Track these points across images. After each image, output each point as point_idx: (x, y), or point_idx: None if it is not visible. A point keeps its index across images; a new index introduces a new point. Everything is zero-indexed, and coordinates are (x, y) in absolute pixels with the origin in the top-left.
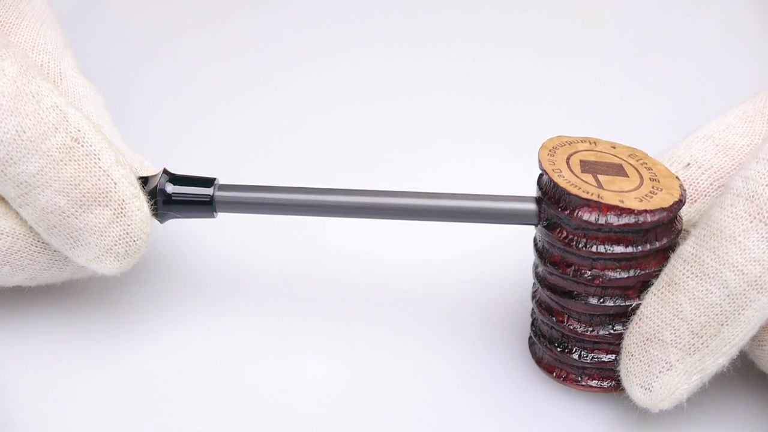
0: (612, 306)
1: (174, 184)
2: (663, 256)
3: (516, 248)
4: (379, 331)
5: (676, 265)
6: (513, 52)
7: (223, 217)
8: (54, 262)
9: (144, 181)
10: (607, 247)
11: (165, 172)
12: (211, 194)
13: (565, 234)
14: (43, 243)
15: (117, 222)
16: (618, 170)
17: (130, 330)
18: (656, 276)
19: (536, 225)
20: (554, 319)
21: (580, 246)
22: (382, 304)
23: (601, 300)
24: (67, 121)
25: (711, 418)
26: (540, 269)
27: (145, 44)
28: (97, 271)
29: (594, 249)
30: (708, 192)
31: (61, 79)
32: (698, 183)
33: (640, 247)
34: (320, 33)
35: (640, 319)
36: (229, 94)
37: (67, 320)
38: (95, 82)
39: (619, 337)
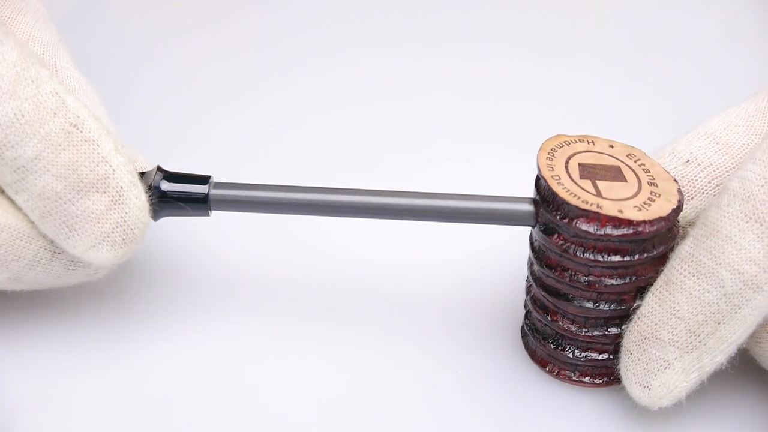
0: (607, 310)
1: (168, 182)
2: (660, 262)
3: (514, 244)
4: (377, 331)
5: (674, 265)
6: (512, 51)
7: (221, 218)
8: (39, 259)
9: (140, 176)
10: (604, 255)
11: (159, 169)
12: (206, 192)
13: (562, 241)
14: (29, 237)
15: (114, 209)
16: (616, 174)
17: (126, 333)
18: (653, 281)
19: (533, 227)
20: (548, 317)
21: (576, 253)
22: (379, 302)
23: (597, 304)
24: (66, 107)
25: (709, 413)
26: (536, 268)
27: (143, 43)
28: (92, 262)
29: (591, 257)
30: (706, 190)
31: (56, 71)
32: (696, 180)
33: (637, 256)
34: (319, 33)
35: (638, 318)
36: (227, 94)
37: (65, 323)
38: (94, 80)
39: (614, 338)
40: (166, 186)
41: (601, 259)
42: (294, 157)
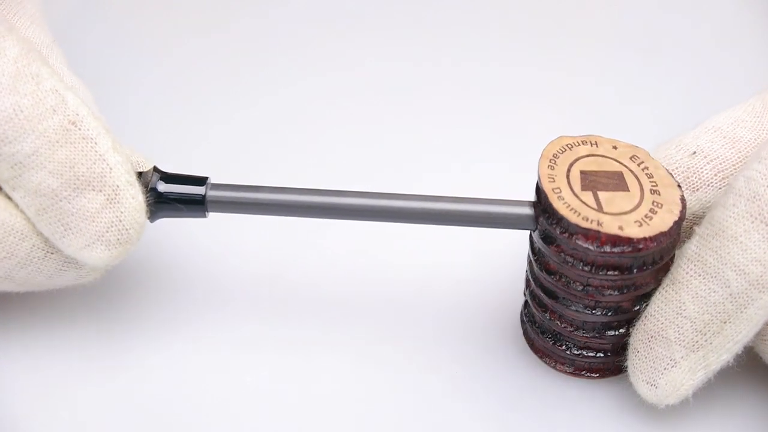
0: (605, 316)
1: (165, 182)
2: (661, 271)
3: (515, 236)
4: (376, 331)
5: (680, 264)
6: (513, 53)
7: (220, 220)
8: (31, 258)
9: (138, 175)
10: (603, 270)
11: (156, 169)
12: (203, 193)
13: (560, 251)
14: (22, 234)
15: (110, 207)
16: (618, 182)
17: (124, 337)
18: (653, 290)
19: (533, 231)
20: (546, 315)
21: (575, 265)
22: (377, 303)
23: (594, 311)
24: (65, 104)
25: (713, 408)
26: (535, 268)
27: (143, 44)
28: (86, 261)
29: (589, 270)
30: (711, 182)
31: None
32: (702, 172)
33: (636, 271)
34: (319, 35)
35: (645, 317)
36: (227, 95)
37: (62, 327)
38: (93, 81)
39: (611, 339)
40: (162, 187)
41: (600, 274)
42: (293, 159)
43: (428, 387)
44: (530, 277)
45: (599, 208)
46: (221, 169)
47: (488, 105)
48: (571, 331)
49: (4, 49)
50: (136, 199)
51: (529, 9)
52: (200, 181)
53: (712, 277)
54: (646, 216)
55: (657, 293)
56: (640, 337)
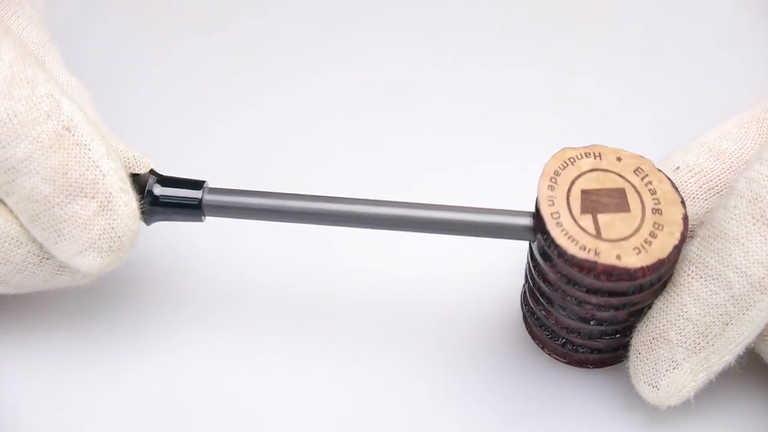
0: (600, 326)
1: (162, 186)
2: (659, 290)
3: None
4: (375, 336)
5: (681, 266)
6: (513, 53)
7: (220, 224)
8: (27, 264)
9: (133, 177)
10: (598, 295)
11: (152, 172)
12: (200, 197)
13: (557, 271)
14: (18, 241)
15: (102, 215)
16: (620, 201)
17: (121, 343)
18: (650, 305)
19: (532, 242)
20: (544, 313)
21: (571, 285)
22: (376, 306)
23: (590, 322)
24: (60, 109)
25: (712, 406)
26: (533, 273)
27: (142, 44)
28: (79, 268)
29: (585, 291)
30: (696, 195)
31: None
32: (686, 185)
33: (633, 293)
34: (318, 36)
35: (647, 319)
36: (227, 96)
37: (59, 330)
38: (93, 82)
39: (606, 342)
40: (158, 190)
41: (597, 295)
42: (293, 159)
43: (429, 385)
44: (528, 276)
45: (598, 234)
46: (221, 170)
47: (489, 105)
48: (566, 333)
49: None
50: (129, 206)
51: (529, 9)
52: (197, 184)
53: (713, 279)
54: (645, 241)
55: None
56: (641, 338)
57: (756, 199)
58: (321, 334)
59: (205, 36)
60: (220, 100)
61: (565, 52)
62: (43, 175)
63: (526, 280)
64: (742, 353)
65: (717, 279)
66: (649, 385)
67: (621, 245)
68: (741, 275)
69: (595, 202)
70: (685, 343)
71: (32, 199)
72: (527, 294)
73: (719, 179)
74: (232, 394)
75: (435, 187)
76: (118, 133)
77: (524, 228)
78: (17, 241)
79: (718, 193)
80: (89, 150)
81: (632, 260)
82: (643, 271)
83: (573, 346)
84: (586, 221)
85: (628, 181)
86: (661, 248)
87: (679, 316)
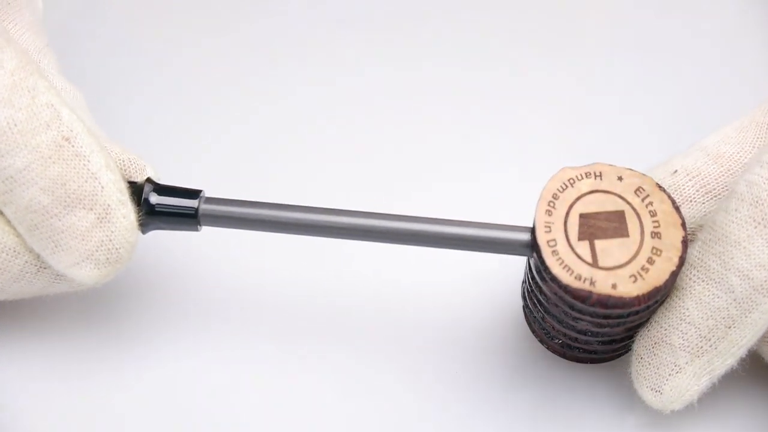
0: (597, 338)
1: (158, 194)
2: (656, 308)
3: None
4: (374, 343)
5: (683, 270)
6: (514, 65)
7: (219, 231)
8: (24, 273)
9: (131, 186)
10: (593, 317)
11: (149, 181)
12: (196, 207)
13: (554, 292)
14: (14, 250)
15: (100, 227)
16: (618, 225)
17: (118, 350)
18: (646, 321)
19: (530, 257)
20: (540, 316)
21: (566, 306)
22: (374, 315)
23: (586, 335)
24: (60, 119)
25: (713, 406)
26: (531, 283)
27: (142, 54)
28: (76, 279)
29: (580, 312)
30: (694, 198)
31: None
32: (684, 189)
33: (628, 316)
34: (319, 45)
35: (649, 324)
36: (228, 109)
37: (55, 340)
38: (93, 89)
39: (602, 347)
40: (155, 199)
41: (590, 317)
42: (292, 173)
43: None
44: (526, 280)
45: (594, 262)
46: (221, 179)
47: (489, 113)
48: (563, 336)
49: (1, 62)
50: (127, 218)
51: (529, 19)
52: (194, 194)
53: (715, 282)
54: (642, 268)
55: None
56: (643, 343)
57: (757, 202)
58: (322, 334)
59: (204, 44)
60: (220, 108)
61: (565, 59)
62: (41, 186)
63: (525, 279)
64: (744, 355)
65: (719, 282)
66: (652, 389)
67: (617, 273)
68: (743, 278)
69: (593, 227)
70: (688, 347)
71: (30, 210)
72: (526, 293)
73: (717, 183)
74: (231, 402)
75: (436, 196)
76: (117, 140)
77: (522, 244)
78: (14, 251)
79: (716, 196)
80: (88, 161)
81: (628, 289)
82: (639, 299)
83: (570, 347)
84: (583, 248)
85: (628, 202)
86: (657, 275)
87: (681, 320)
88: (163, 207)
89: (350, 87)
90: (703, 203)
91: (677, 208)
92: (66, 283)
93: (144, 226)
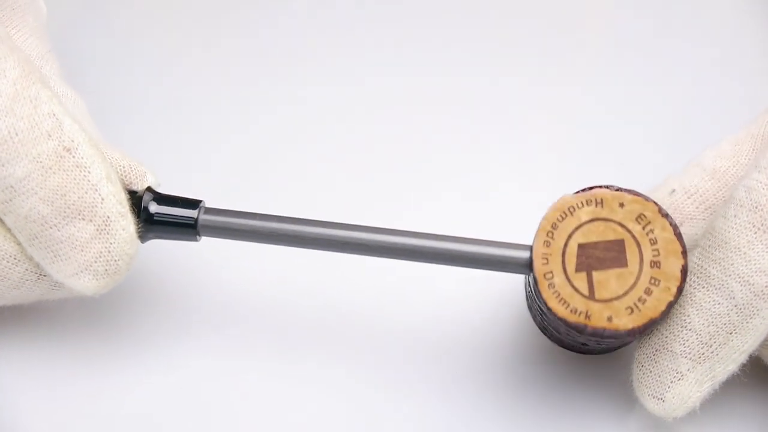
0: (596, 347)
1: (158, 204)
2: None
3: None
4: (378, 335)
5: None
6: (517, 69)
7: (221, 243)
8: (24, 281)
9: (131, 194)
10: (591, 338)
11: (149, 189)
12: (195, 217)
13: (552, 314)
14: (15, 258)
15: (99, 238)
16: (617, 255)
17: (116, 360)
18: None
19: (529, 274)
20: (539, 320)
21: (565, 327)
22: (379, 305)
23: (584, 345)
24: (61, 129)
25: (714, 407)
26: (532, 294)
27: (148, 57)
28: (74, 289)
29: (578, 333)
30: (694, 216)
31: None
32: (684, 208)
33: (625, 338)
34: (321, 58)
35: (649, 331)
36: (231, 119)
37: (55, 343)
38: (96, 98)
39: (600, 350)
40: (154, 208)
41: (588, 338)
42: (294, 184)
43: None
44: (527, 287)
45: (590, 295)
46: (222, 186)
47: (492, 123)
48: (563, 336)
49: (4, 71)
50: (126, 230)
51: (529, 27)
52: (193, 204)
53: (716, 288)
54: (639, 299)
55: None
56: (644, 351)
57: (756, 207)
58: (324, 339)
59: (206, 53)
60: (222, 116)
61: (568, 70)
62: (41, 196)
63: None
64: (745, 360)
65: (720, 289)
66: (654, 397)
67: (613, 305)
68: (744, 284)
69: (592, 257)
70: (690, 353)
71: (30, 219)
72: (527, 297)
73: (716, 198)
74: (230, 408)
75: (439, 207)
76: (117, 147)
77: (521, 263)
78: (15, 259)
79: (715, 212)
80: (89, 172)
81: (623, 321)
82: (633, 332)
83: (569, 344)
84: (580, 280)
85: (628, 230)
86: (654, 307)
87: (682, 327)
88: (163, 216)
89: (352, 99)
90: (704, 220)
91: (679, 235)
92: (65, 290)
93: (143, 234)
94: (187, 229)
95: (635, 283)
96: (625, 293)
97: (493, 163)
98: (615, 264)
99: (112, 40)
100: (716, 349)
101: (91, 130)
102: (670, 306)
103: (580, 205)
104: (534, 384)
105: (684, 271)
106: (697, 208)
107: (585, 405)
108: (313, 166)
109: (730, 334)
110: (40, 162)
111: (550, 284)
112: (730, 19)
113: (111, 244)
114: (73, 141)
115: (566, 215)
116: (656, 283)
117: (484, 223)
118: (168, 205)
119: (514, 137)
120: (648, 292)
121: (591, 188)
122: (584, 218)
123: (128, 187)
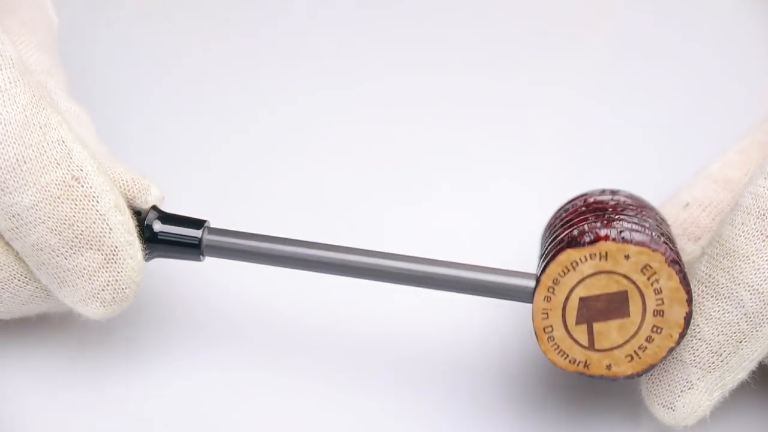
0: None
1: (162, 223)
2: None
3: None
4: (378, 355)
5: (692, 286)
6: (517, 72)
7: (222, 262)
8: (33, 298)
9: (137, 215)
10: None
11: (154, 208)
12: (200, 237)
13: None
14: (25, 277)
15: (107, 268)
16: (620, 306)
17: (115, 374)
18: None
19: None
20: None
21: None
22: (380, 324)
23: None
24: (70, 157)
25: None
26: None
27: (149, 60)
28: (81, 314)
29: None
30: (710, 228)
31: None
32: (699, 221)
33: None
34: (324, 70)
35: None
36: (240, 138)
37: (53, 358)
38: (99, 110)
39: None
40: (158, 227)
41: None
42: (301, 205)
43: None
44: None
45: (590, 345)
46: (223, 186)
47: (490, 123)
48: None
49: (14, 96)
50: (134, 259)
51: (529, 28)
52: (198, 223)
53: (725, 297)
54: (640, 347)
55: None
56: None
57: (763, 215)
58: (326, 356)
59: (212, 64)
60: (223, 120)
61: (565, 71)
62: (49, 226)
63: None
64: (755, 368)
65: (728, 297)
66: (664, 406)
67: (613, 354)
68: (753, 292)
69: (593, 309)
70: (699, 363)
71: (37, 248)
72: None
73: (730, 208)
74: (231, 422)
75: (438, 207)
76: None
77: (527, 292)
78: (26, 278)
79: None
80: (97, 202)
81: (622, 369)
82: (632, 377)
83: None
84: (580, 332)
85: (632, 281)
86: (654, 354)
87: (691, 336)
88: (166, 235)
89: (352, 99)
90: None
91: (685, 282)
92: None
93: (147, 254)
94: (191, 248)
95: (636, 332)
96: (626, 342)
97: (493, 163)
98: (617, 315)
99: (112, 42)
100: (726, 358)
101: (95, 145)
102: (671, 351)
103: (583, 260)
104: (541, 391)
105: (687, 318)
106: (713, 219)
107: (593, 413)
108: (313, 166)
109: (740, 342)
110: (48, 191)
111: (549, 338)
112: (731, 20)
113: (119, 273)
114: (81, 170)
115: (568, 270)
116: (658, 331)
117: (484, 223)
118: (172, 225)
119: (514, 137)
120: (649, 339)
121: (595, 241)
122: (587, 272)
123: (132, 202)
